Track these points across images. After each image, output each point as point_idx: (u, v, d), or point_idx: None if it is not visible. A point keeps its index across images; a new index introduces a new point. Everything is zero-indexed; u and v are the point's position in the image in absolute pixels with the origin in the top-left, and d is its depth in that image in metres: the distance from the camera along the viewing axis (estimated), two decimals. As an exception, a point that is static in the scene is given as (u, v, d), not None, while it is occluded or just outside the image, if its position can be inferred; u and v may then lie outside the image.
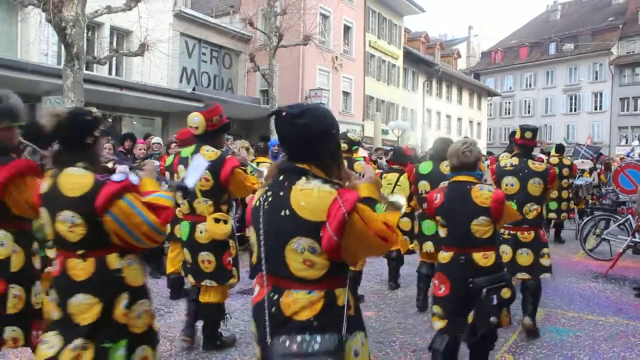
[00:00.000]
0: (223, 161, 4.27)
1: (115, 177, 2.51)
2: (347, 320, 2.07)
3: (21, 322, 3.00)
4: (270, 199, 2.12)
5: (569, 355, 4.78)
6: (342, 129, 6.66)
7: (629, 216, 8.84)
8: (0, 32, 15.52)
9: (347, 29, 27.93)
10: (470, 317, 3.47)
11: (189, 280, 4.60)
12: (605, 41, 46.40)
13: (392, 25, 31.98)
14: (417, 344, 5.00)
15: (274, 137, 11.96)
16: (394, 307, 6.22)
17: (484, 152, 18.58)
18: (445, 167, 5.28)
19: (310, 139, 2.09)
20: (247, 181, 4.36)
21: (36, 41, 14.75)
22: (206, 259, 4.34)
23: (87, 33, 14.55)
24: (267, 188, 2.18)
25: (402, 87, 33.53)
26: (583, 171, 12.49)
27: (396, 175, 6.83)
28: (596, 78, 47.33)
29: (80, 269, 2.52)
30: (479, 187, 3.66)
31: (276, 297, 2.09)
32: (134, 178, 2.60)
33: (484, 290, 3.42)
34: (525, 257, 5.08)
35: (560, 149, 10.89)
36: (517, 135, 5.50)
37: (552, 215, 10.27)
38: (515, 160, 5.31)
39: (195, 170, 3.40)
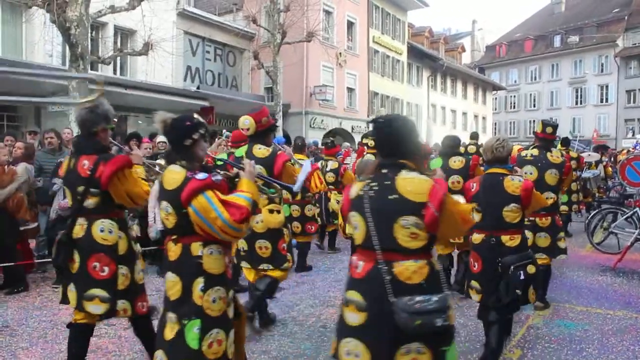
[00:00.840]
0: (275, 157, 4.80)
1: (199, 175, 2.86)
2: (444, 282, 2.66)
3: (128, 296, 3.64)
4: (376, 187, 2.65)
5: (578, 349, 4.77)
6: (347, 125, 6.67)
7: (637, 209, 8.78)
8: (5, 33, 15.58)
9: (350, 24, 27.87)
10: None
11: (244, 267, 5.04)
12: (610, 33, 46.10)
13: (396, 20, 31.90)
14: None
15: (279, 135, 11.95)
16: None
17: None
18: (453, 162, 5.88)
19: (403, 140, 2.70)
20: (296, 173, 4.75)
21: (41, 42, 14.81)
22: (263, 246, 4.81)
23: (91, 33, 14.56)
24: (369, 180, 2.70)
25: (406, 82, 33.46)
26: (590, 164, 12.43)
27: None
28: (602, 70, 47.05)
29: (172, 251, 2.96)
30: (511, 178, 4.23)
31: (386, 268, 2.56)
32: (216, 177, 2.96)
33: (512, 267, 3.97)
34: (543, 240, 5.69)
35: (566, 142, 10.85)
36: (539, 130, 6.08)
37: (563, 207, 10.15)
38: (535, 152, 5.92)
39: (302, 173, 4.08)
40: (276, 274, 4.89)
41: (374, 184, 2.68)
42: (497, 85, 47.73)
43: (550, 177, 5.76)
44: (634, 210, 8.85)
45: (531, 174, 5.74)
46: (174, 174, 2.91)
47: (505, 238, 4.16)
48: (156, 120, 3.04)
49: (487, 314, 4.22)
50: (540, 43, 51.57)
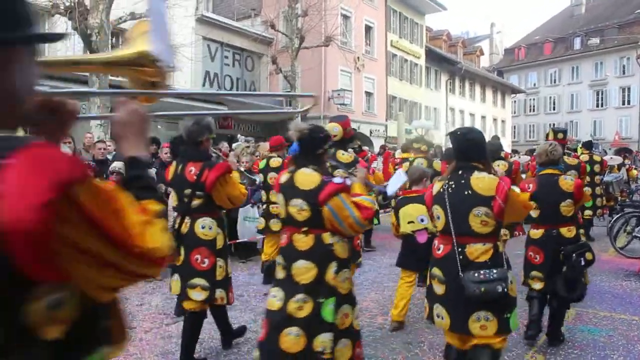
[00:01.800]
0: (357, 162, 5.23)
1: (336, 179, 3.37)
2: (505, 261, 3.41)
3: (224, 285, 4.27)
4: (453, 185, 3.45)
5: (602, 356, 4.70)
6: (365, 130, 6.74)
7: (661, 213, 8.67)
8: (27, 41, 15.82)
9: (368, 29, 27.88)
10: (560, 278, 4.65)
11: None
12: (632, 34, 45.45)
13: (414, 24, 31.83)
14: (433, 341, 4.95)
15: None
16: (420, 306, 6.16)
17: (509, 150, 18.37)
18: (497, 166, 6.15)
19: (476, 147, 3.52)
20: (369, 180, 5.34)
21: (63, 49, 15.04)
22: None
23: (112, 39, 14.76)
24: (447, 180, 3.52)
25: (424, 86, 33.34)
26: (612, 167, 12.28)
27: None
28: (623, 72, 46.42)
29: (303, 241, 3.38)
30: (564, 177, 4.90)
31: (460, 249, 3.35)
32: (348, 181, 3.42)
33: (574, 255, 4.59)
34: None
35: (588, 145, 10.71)
36: (551, 137, 6.73)
37: (587, 212, 9.98)
38: None
39: (397, 180, 4.76)
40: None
41: (451, 182, 3.48)
42: (516, 89, 47.34)
43: (575, 178, 6.22)
44: (659, 213, 8.73)
45: None
46: (308, 176, 3.40)
47: (564, 230, 4.82)
48: (292, 129, 3.47)
49: (549, 301, 4.87)
50: (560, 45, 51.07)
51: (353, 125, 22.77)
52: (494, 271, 3.23)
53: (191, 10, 19.96)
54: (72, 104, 1.31)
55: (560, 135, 6.93)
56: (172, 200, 4.54)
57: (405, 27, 31.09)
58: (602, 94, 47.78)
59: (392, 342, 4.99)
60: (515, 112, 50.87)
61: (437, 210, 3.52)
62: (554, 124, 49.27)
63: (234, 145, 11.29)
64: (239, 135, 12.38)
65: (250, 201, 8.56)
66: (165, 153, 8.18)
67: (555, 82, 51.07)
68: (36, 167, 0.93)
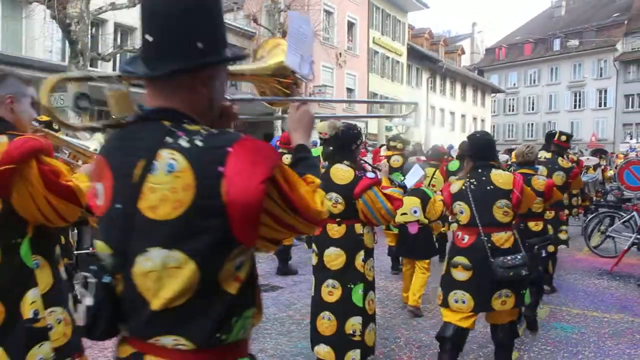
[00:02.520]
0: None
1: (369, 174, 3.80)
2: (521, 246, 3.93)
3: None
4: (475, 182, 3.90)
5: (574, 352, 4.78)
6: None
7: (634, 213, 8.82)
8: (5, 29, 15.55)
9: (350, 25, 27.89)
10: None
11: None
12: (610, 37, 46.15)
13: (396, 21, 31.92)
14: (422, 340, 5.00)
15: (278, 133, 11.96)
16: (398, 303, 6.22)
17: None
18: None
19: (491, 148, 4.12)
20: None
21: (41, 38, 14.80)
22: None
23: (91, 30, 14.55)
24: (467, 177, 3.96)
25: (405, 83, 33.48)
26: (588, 168, 12.47)
27: (433, 169, 7.59)
28: (601, 74, 47.12)
29: (336, 230, 3.83)
30: (537, 177, 5.30)
31: (487, 238, 3.78)
32: (379, 175, 3.89)
33: (536, 247, 4.98)
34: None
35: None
36: (556, 138, 7.16)
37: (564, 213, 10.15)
38: (549, 155, 6.95)
39: (414, 175, 5.14)
40: None
41: (472, 180, 3.93)
42: (496, 88, 47.78)
43: (557, 178, 6.52)
44: (632, 214, 8.89)
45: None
46: (343, 172, 3.81)
47: (531, 224, 5.41)
48: (328, 127, 3.91)
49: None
50: (540, 46, 51.63)
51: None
52: (519, 257, 3.74)
53: (173, 2, 19.75)
54: (232, 106, 1.62)
55: (563, 138, 7.17)
56: None
57: (388, 24, 31.16)
58: (579, 96, 48.45)
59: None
60: (494, 112, 51.34)
61: (460, 205, 3.94)
62: (532, 124, 49.99)
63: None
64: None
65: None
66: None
67: (534, 82, 51.63)
68: (253, 154, 1.25)
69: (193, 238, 1.24)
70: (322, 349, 3.82)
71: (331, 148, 4.14)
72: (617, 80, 45.83)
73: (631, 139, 37.83)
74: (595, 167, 13.27)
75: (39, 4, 10.89)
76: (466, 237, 3.89)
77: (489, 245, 3.76)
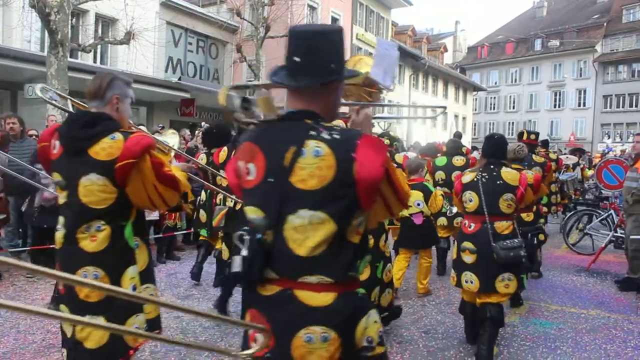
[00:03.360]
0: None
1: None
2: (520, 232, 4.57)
3: None
4: (486, 176, 4.49)
5: (552, 347, 4.84)
6: None
7: (611, 211, 8.95)
8: (-18, 17, 15.24)
9: (334, 21, 27.85)
10: None
11: None
12: (589, 39, 46.76)
13: (380, 18, 31.96)
14: (403, 335, 5.02)
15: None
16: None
17: (469, 147, 18.69)
18: (456, 160, 6.87)
19: (503, 149, 4.72)
20: None
21: (19, 27, 14.53)
22: None
23: (72, 20, 14.32)
24: (479, 171, 4.56)
25: (388, 80, 33.52)
26: (567, 166, 12.62)
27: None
28: (580, 75, 47.71)
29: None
30: (526, 171, 5.47)
31: (490, 225, 4.37)
32: None
33: (529, 234, 5.54)
34: None
35: (545, 143, 10.97)
36: (525, 137, 7.90)
37: (543, 209, 10.28)
38: None
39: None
40: None
41: (484, 174, 4.52)
42: (477, 86, 48.08)
43: (537, 173, 6.73)
44: (609, 212, 9.02)
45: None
46: (512, 175, 4.52)
47: (523, 215, 5.99)
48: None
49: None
50: (521, 46, 52.11)
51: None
52: (516, 240, 4.32)
53: (155, -7, 19.55)
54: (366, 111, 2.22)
55: (532, 136, 8.02)
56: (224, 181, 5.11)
57: (371, 21, 31.19)
58: (559, 95, 49.01)
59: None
60: (476, 110, 51.68)
61: (470, 194, 4.51)
62: (513, 123, 50.46)
63: (196, 132, 11.16)
64: (202, 123, 12.24)
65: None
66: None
67: (515, 81, 52.11)
68: (374, 146, 1.78)
69: (332, 202, 1.76)
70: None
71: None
72: (596, 81, 46.45)
73: (609, 138, 38.48)
74: (574, 166, 13.43)
75: (18, -8, 10.70)
76: (472, 225, 4.48)
77: (491, 231, 4.33)
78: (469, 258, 4.43)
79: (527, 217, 6.11)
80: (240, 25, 22.85)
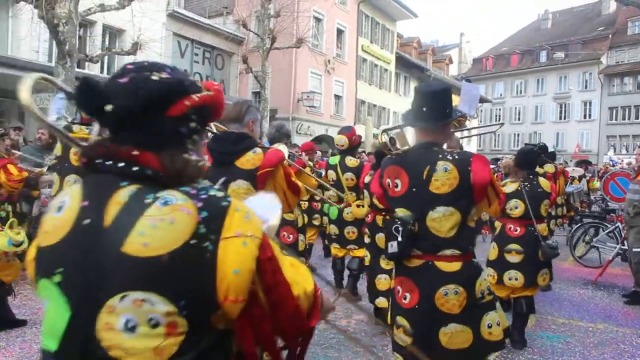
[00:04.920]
0: (362, 166, 6.40)
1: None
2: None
3: (304, 255, 5.97)
4: (528, 185, 5.14)
5: (560, 361, 4.80)
6: (333, 132, 6.97)
7: (618, 224, 8.89)
8: (-9, 28, 15.37)
9: (340, 32, 27.96)
10: None
11: (333, 247, 6.78)
12: (595, 50, 46.77)
13: (385, 29, 32.07)
14: (409, 348, 4.98)
15: (265, 139, 11.91)
16: (385, 310, 6.19)
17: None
18: (349, 160, 6.70)
19: (537, 161, 5.70)
20: None
21: (27, 38, 14.64)
22: (351, 231, 6.46)
23: (80, 31, 14.43)
24: (521, 181, 5.18)
25: (393, 91, 33.62)
26: (573, 178, 12.57)
27: None
28: (586, 87, 47.66)
29: (382, 220, 5.23)
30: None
31: (534, 228, 5.04)
32: None
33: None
34: None
35: (552, 156, 10.93)
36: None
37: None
38: None
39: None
40: (360, 252, 6.24)
41: (526, 183, 5.16)
42: (482, 98, 48.01)
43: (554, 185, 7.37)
44: (616, 225, 8.96)
45: None
46: (546, 183, 5.26)
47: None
48: (371, 145, 4.67)
49: (513, 306, 5.56)
50: (527, 58, 52.17)
51: (321, 129, 22.84)
52: (554, 239, 5.30)
53: (162, 5, 19.70)
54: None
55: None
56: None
57: (377, 33, 31.29)
58: (565, 107, 48.94)
59: (356, 345, 5.00)
60: (481, 121, 51.63)
61: (516, 202, 5.10)
62: (518, 134, 50.39)
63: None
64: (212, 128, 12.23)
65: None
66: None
67: (520, 93, 52.10)
68: (482, 161, 2.79)
69: (458, 200, 2.72)
70: (382, 300, 5.25)
71: (374, 161, 5.59)
72: (601, 93, 46.40)
73: (614, 151, 38.37)
74: (580, 178, 13.38)
75: (27, 3, 10.79)
76: (518, 229, 5.08)
77: (536, 234, 4.98)
78: (515, 258, 5.01)
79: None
80: (246, 36, 22.98)
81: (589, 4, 54.47)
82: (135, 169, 1.15)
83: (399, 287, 2.87)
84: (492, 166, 12.88)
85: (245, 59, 19.62)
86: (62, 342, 1.10)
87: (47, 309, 1.14)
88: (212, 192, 1.16)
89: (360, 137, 6.95)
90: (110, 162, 1.16)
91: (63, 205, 1.18)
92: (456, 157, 2.75)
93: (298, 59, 24.06)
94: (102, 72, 18.05)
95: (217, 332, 1.17)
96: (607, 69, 46.17)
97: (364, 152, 17.81)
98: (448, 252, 2.72)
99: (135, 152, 1.15)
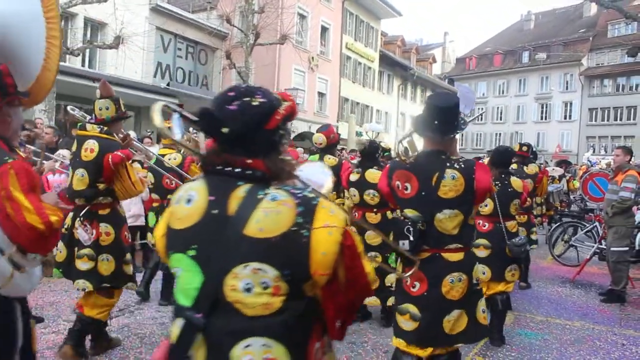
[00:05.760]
0: (341, 165, 6.39)
1: None
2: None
3: None
4: (499, 184, 5.22)
5: (538, 358, 4.86)
6: (316, 130, 6.96)
7: (596, 223, 9.02)
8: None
9: (324, 29, 27.96)
10: None
11: None
12: (576, 52, 47.25)
13: (369, 27, 32.12)
14: (389, 344, 5.00)
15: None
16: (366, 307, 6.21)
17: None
18: (328, 159, 6.65)
19: (510, 160, 5.74)
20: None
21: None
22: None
23: (60, 23, 14.23)
24: (494, 180, 4.91)
25: (377, 89, 33.71)
26: (553, 178, 12.71)
27: None
28: (567, 88, 48.13)
29: (374, 217, 5.39)
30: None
31: (502, 225, 5.12)
32: None
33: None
34: (521, 233, 6.73)
35: (533, 156, 11.04)
36: (517, 148, 7.88)
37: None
38: (514, 165, 7.32)
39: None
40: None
41: (497, 182, 5.21)
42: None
43: (528, 184, 7.07)
44: (594, 224, 9.09)
45: None
46: (375, 174, 5.20)
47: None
48: (357, 143, 4.60)
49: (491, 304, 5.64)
50: (509, 58, 52.55)
51: (304, 126, 22.78)
52: (523, 237, 5.24)
53: (145, -2, 19.50)
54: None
55: (524, 148, 8.05)
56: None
57: (361, 30, 31.33)
58: (546, 107, 49.39)
59: (336, 342, 5.00)
60: (468, 114, 51.86)
61: (486, 200, 5.06)
62: (500, 134, 50.81)
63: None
64: (190, 129, 12.16)
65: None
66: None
67: (503, 93, 52.47)
68: (483, 169, 3.18)
69: (462, 204, 3.09)
70: (371, 298, 5.18)
71: (360, 158, 5.76)
72: (582, 94, 46.90)
73: (593, 152, 38.87)
74: (560, 178, 13.54)
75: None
76: (487, 224, 5.22)
77: (504, 230, 5.09)
78: (482, 253, 5.08)
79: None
80: (230, 32, 22.86)
81: (570, 6, 55.04)
82: (248, 172, 1.56)
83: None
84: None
85: (229, 55, 19.52)
86: (197, 298, 1.50)
87: (180, 276, 1.56)
88: (306, 193, 1.56)
89: (338, 135, 6.94)
90: (229, 168, 1.57)
91: (192, 199, 1.58)
92: (462, 165, 3.11)
93: (282, 56, 24.00)
94: (83, 65, 17.83)
95: (307, 299, 1.56)
96: (587, 70, 46.68)
97: (344, 149, 17.88)
98: (452, 245, 3.10)
99: (249, 161, 1.56)
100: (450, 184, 3.05)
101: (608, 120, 45.84)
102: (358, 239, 1.61)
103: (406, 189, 3.19)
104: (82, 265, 4.16)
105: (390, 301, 5.01)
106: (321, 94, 28.04)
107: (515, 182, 5.29)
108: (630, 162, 7.48)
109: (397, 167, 3.29)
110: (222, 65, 23.40)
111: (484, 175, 3.11)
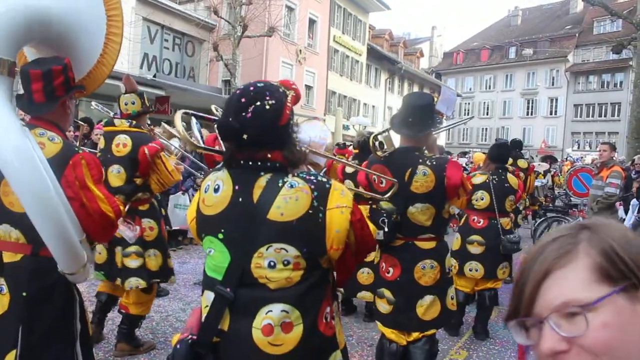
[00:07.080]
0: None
1: None
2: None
3: None
4: (496, 179, 5.21)
5: (521, 352, 4.89)
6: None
7: (580, 218, 9.09)
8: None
9: (312, 22, 27.87)
10: None
11: None
12: (562, 48, 47.61)
13: (357, 21, 32.07)
14: (374, 338, 5.02)
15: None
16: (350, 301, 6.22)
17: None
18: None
19: (508, 156, 5.71)
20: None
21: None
22: None
23: (123, 21, 14.02)
24: (490, 174, 5.24)
25: (364, 83, 33.70)
26: (538, 173, 12.81)
27: None
28: (552, 84, 48.51)
29: (366, 209, 5.31)
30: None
31: (497, 221, 5.11)
32: None
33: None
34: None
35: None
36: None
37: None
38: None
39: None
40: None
41: (494, 177, 5.23)
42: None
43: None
44: (577, 219, 9.16)
45: None
46: (514, 180, 5.36)
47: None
48: (357, 135, 4.83)
49: (477, 298, 5.77)
50: (496, 53, 52.80)
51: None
52: (517, 234, 5.29)
53: (131, -12, 19.29)
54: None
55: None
56: None
57: (349, 24, 31.27)
58: (532, 103, 49.75)
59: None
60: (450, 115, 52.09)
61: (482, 194, 5.18)
62: (486, 129, 51.10)
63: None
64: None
65: (181, 188, 8.43)
66: (97, 134, 7.87)
67: (489, 88, 52.75)
68: (455, 166, 3.29)
69: (433, 198, 3.21)
70: (365, 294, 5.19)
71: (357, 151, 5.81)
72: (567, 90, 47.30)
73: (578, 147, 39.23)
74: (545, 173, 13.64)
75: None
76: (481, 221, 5.15)
77: (499, 227, 5.07)
78: (476, 249, 5.07)
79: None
80: (217, 23, 22.69)
81: (557, 2, 55.39)
82: (269, 164, 1.78)
83: (383, 263, 3.37)
84: (463, 159, 12.91)
85: (216, 47, 19.40)
86: (226, 273, 1.76)
87: (212, 255, 1.81)
88: (319, 178, 1.81)
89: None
90: (251, 162, 1.79)
91: (219, 188, 1.82)
92: (434, 162, 3.22)
93: (269, 48, 23.89)
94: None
95: (322, 270, 1.85)
96: (573, 66, 47.06)
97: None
98: (425, 235, 3.27)
99: (269, 155, 1.77)
100: (422, 179, 3.19)
101: (593, 116, 46.30)
102: (363, 208, 1.92)
103: (382, 182, 3.32)
104: (132, 263, 4.11)
105: None
106: (308, 87, 27.97)
107: (512, 179, 5.27)
108: (614, 158, 7.55)
109: (374, 162, 3.42)
110: (209, 57, 23.26)
111: (455, 173, 3.21)
